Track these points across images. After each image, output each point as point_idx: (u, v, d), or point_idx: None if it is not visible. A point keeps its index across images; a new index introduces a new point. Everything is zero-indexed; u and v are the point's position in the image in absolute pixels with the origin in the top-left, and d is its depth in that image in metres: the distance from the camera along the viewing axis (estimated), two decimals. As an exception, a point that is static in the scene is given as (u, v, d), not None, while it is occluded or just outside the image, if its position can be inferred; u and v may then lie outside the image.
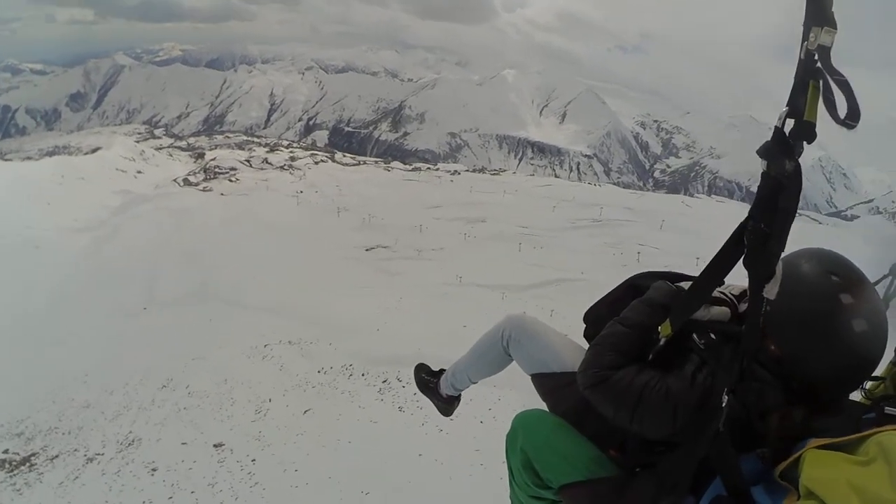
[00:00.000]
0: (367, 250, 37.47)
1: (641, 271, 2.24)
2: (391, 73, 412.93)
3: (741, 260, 1.44)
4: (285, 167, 69.44)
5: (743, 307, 1.89)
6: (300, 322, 23.37)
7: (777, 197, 1.23)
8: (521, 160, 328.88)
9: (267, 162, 71.67)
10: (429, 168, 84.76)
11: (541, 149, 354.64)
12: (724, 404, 1.51)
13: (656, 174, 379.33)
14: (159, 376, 19.06)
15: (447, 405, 3.31)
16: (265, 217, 44.01)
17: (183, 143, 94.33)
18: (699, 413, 1.64)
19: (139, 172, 61.47)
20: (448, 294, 28.06)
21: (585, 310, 2.36)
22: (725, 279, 1.71)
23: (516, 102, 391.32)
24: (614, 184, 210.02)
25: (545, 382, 2.49)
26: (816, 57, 1.06)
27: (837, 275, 1.51)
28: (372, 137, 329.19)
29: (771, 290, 1.35)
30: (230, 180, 60.50)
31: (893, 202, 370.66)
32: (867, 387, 1.68)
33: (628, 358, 1.87)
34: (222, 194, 54.61)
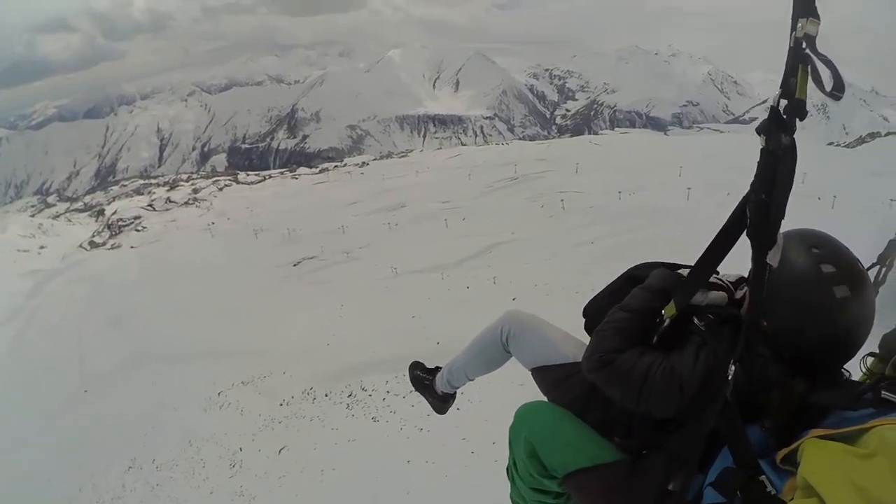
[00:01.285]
0: (294, 266, 36.57)
1: (638, 263, 2.32)
2: (276, 78, 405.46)
3: (745, 232, 1.51)
4: (190, 202, 66.45)
5: (740, 293, 2.01)
6: (247, 358, 22.54)
7: (775, 169, 1.31)
8: (425, 137, 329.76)
9: (170, 201, 68.43)
10: (336, 166, 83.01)
11: (442, 121, 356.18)
12: (730, 376, 1.58)
13: (558, 120, 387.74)
14: (122, 459, 18.01)
15: (442, 403, 3.40)
16: (182, 260, 42.30)
17: (79, 205, 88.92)
18: (704, 388, 1.72)
19: (42, 248, 58.08)
20: (388, 288, 27.81)
21: (585, 304, 2.44)
22: (720, 270, 1.91)
23: (408, 81, 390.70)
24: (520, 139, 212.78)
25: (547, 375, 2.55)
26: (804, 44, 1.20)
27: (818, 248, 1.65)
28: (271, 149, 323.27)
29: (774, 258, 1.43)
30: (137, 230, 57.65)
31: (823, 104, 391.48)
32: (868, 364, 1.83)
33: (632, 342, 1.94)
34: (132, 247, 52.20)
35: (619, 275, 2.39)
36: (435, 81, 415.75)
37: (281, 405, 18.40)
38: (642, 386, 1.82)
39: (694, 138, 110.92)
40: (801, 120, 1.29)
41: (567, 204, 36.32)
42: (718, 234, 1.66)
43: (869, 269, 2.01)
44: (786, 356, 1.65)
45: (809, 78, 1.24)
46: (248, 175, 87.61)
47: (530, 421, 2.35)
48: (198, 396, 20.58)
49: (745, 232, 1.52)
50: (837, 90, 1.20)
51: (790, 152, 1.31)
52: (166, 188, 77.95)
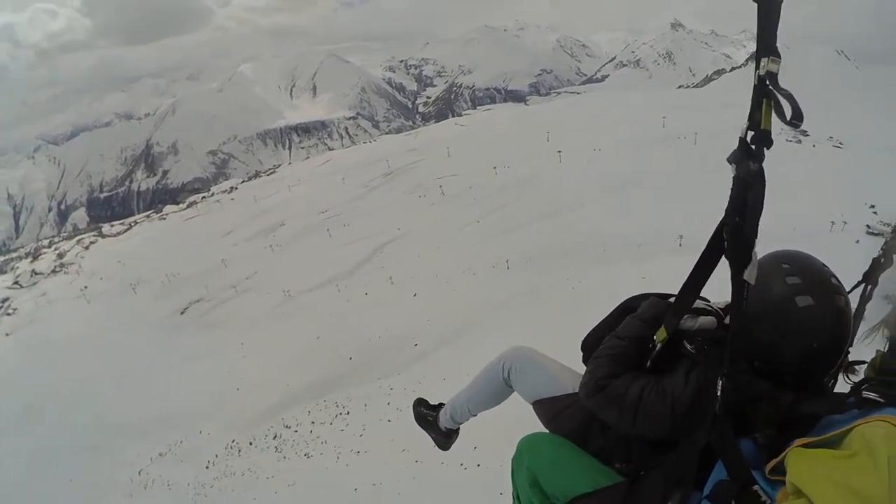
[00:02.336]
0: (181, 314, 34.65)
1: (632, 295, 2.36)
2: (124, 115, 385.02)
3: (723, 257, 1.57)
4: (57, 269, 60.96)
5: (728, 319, 2.01)
6: (157, 427, 20.83)
7: (746, 194, 1.41)
8: (290, 149, 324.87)
9: (36, 273, 62.61)
10: (204, 197, 79.02)
11: (305, 129, 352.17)
12: (718, 391, 1.61)
13: (421, 109, 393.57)
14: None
15: (446, 439, 3.39)
16: (61, 336, 38.38)
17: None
18: (696, 407, 1.79)
19: None
20: (285, 314, 26.95)
21: (582, 338, 2.44)
22: (714, 299, 2.10)
23: (264, 94, 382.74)
24: (387, 133, 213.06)
25: (547, 407, 2.60)
26: (767, 81, 1.30)
27: (788, 263, 1.76)
28: (132, 192, 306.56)
29: (751, 275, 1.47)
30: (7, 314, 52.27)
31: (633, 52, 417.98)
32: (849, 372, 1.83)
33: (626, 367, 2.02)
34: (7, 334, 47.19)
35: (613, 308, 2.41)
36: (291, 90, 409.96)
37: (207, 468, 16.93)
38: (636, 408, 1.89)
39: (554, 104, 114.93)
40: (768, 149, 1.37)
41: (446, 189, 36.43)
42: (699, 258, 1.71)
43: (855, 286, 2.09)
44: (768, 369, 1.73)
45: (773, 110, 1.33)
46: (112, 226, 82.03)
47: (531, 451, 2.38)
48: (119, 483, 18.57)
49: (723, 254, 1.57)
50: (796, 119, 1.29)
51: (759, 178, 1.38)
52: (29, 260, 71.37)
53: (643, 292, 2.32)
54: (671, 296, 2.09)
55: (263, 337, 25.25)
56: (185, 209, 74.92)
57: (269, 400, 18.53)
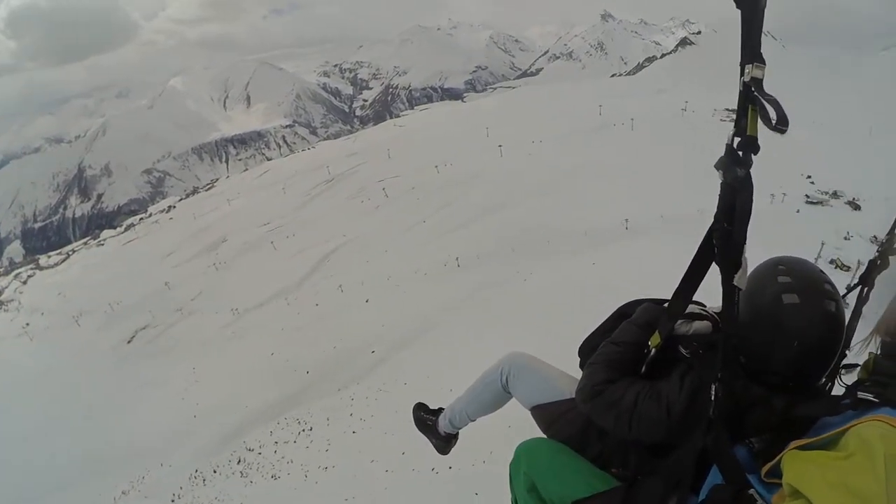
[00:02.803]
0: (128, 343, 33.31)
1: (629, 301, 2.36)
2: (54, 139, 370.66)
3: (714, 263, 1.59)
4: (-6, 307, 58.36)
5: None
6: (116, 464, 19.79)
7: (734, 200, 1.41)
8: (227, 162, 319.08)
9: None
10: (141, 219, 77.00)
11: (241, 141, 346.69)
12: (713, 395, 1.63)
13: (358, 112, 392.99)
14: None
15: (445, 443, 3.42)
16: (7, 378, 36.31)
17: None
18: (691, 411, 1.80)
19: None
20: (235, 333, 26.30)
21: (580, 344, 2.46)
22: (707, 304, 2.10)
23: (196, 108, 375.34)
24: (325, 139, 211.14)
25: (545, 413, 2.61)
26: (752, 87, 1.30)
27: (783, 265, 1.79)
28: (67, 220, 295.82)
29: (741, 280, 1.48)
30: None
31: (565, 45, 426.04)
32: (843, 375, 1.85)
33: (621, 372, 2.03)
34: None
35: (609, 314, 2.44)
36: (225, 101, 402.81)
37: (173, 501, 16.22)
38: (632, 413, 1.90)
39: (490, 99, 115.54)
40: (755, 154, 1.37)
41: (389, 191, 36.32)
42: (690, 264, 1.73)
43: (851, 289, 2.06)
44: (762, 373, 1.74)
45: (759, 116, 1.33)
46: (49, 257, 78.79)
47: (529, 457, 2.39)
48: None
49: (713, 260, 1.59)
50: (781, 124, 1.28)
51: (746, 184, 1.39)
52: (-35, 300, 68.05)
53: (639, 298, 2.34)
54: (666, 301, 2.08)
55: (215, 359, 24.44)
56: (123, 233, 72.87)
57: (229, 424, 17.82)
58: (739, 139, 1.38)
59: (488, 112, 58.16)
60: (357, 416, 13.75)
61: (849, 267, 21.84)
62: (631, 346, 2.08)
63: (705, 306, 2.14)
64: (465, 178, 32.55)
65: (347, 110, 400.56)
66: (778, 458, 1.43)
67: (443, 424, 3.35)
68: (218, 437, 17.62)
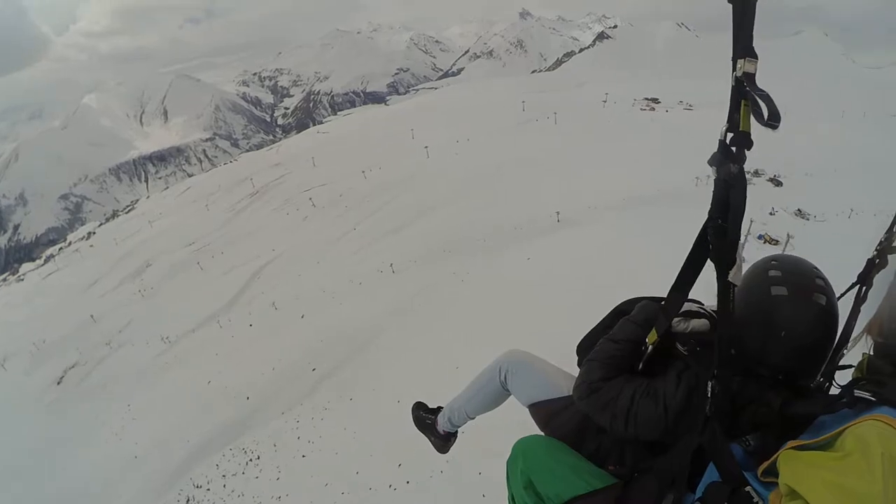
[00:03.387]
0: (58, 384, 31.43)
1: (627, 298, 2.34)
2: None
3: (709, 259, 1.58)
4: (-87, 358, 54.30)
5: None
6: None
7: (728, 195, 1.40)
8: (147, 181, 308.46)
9: None
10: (61, 248, 73.67)
11: (161, 158, 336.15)
12: (709, 393, 1.64)
13: (280, 121, 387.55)
14: None
15: (444, 442, 3.38)
16: None
17: None
18: (688, 409, 1.80)
19: None
20: (168, 363, 25.26)
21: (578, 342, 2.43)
22: (706, 302, 2.08)
23: (112, 126, 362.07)
24: (248, 151, 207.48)
25: (542, 410, 2.58)
26: (745, 82, 1.28)
27: (777, 261, 1.79)
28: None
29: (735, 276, 1.50)
30: None
31: (485, 43, 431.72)
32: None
33: (619, 370, 2.03)
34: None
35: (608, 311, 2.40)
36: (141, 117, 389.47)
37: None
38: (629, 411, 1.90)
39: (414, 101, 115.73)
40: (748, 150, 1.36)
41: (317, 200, 35.77)
42: (686, 260, 1.70)
43: (850, 288, 1.96)
44: (756, 370, 1.73)
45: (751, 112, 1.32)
46: (-34, 298, 74.42)
47: (525, 454, 2.33)
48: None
49: (708, 257, 1.58)
50: (773, 120, 1.26)
51: (740, 179, 1.37)
52: None
53: (636, 297, 2.32)
54: (663, 299, 2.05)
55: (151, 393, 23.37)
56: (42, 265, 69.45)
57: (173, 461, 17.04)
58: (732, 135, 1.36)
59: (412, 114, 58.25)
60: (305, 438, 13.37)
61: (777, 240, 22.70)
62: (628, 344, 2.08)
63: (703, 304, 2.13)
64: (394, 182, 32.37)
65: (269, 119, 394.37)
66: (774, 457, 1.42)
67: (442, 423, 3.32)
68: (162, 476, 16.83)
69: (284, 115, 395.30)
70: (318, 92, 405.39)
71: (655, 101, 79.04)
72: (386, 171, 35.98)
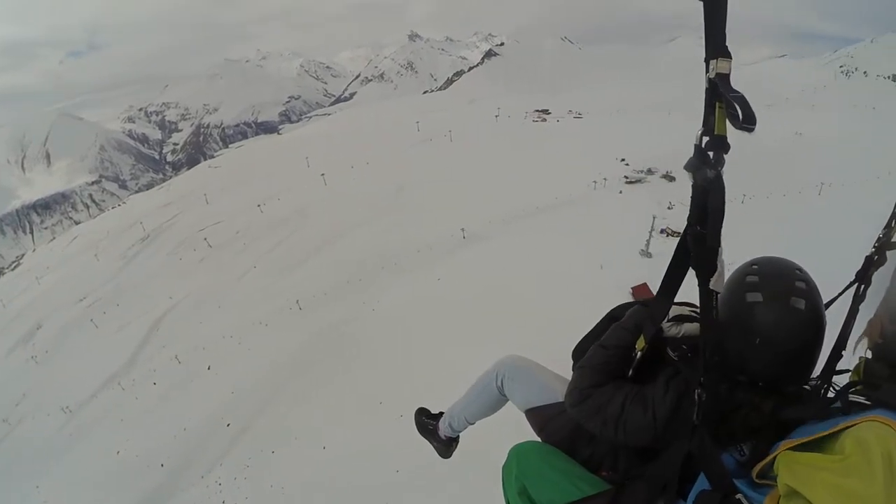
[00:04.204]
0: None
1: (620, 303, 2.32)
2: None
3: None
4: None
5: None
6: None
7: (706, 201, 1.39)
8: (32, 232, 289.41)
9: None
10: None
11: (45, 206, 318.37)
12: (696, 399, 1.60)
13: (169, 158, 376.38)
14: None
15: (445, 447, 3.35)
16: None
17: None
18: (677, 415, 1.78)
19: None
20: (72, 436, 23.24)
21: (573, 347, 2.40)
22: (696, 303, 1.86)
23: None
24: (137, 192, 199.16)
25: (537, 415, 2.57)
26: (718, 84, 1.24)
27: (757, 265, 1.75)
28: None
29: (717, 283, 1.47)
30: None
31: (376, 67, 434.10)
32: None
33: (610, 376, 2.01)
34: None
35: (602, 317, 2.32)
36: (23, 162, 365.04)
37: None
38: (618, 417, 1.89)
39: (307, 128, 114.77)
40: (725, 153, 1.31)
41: (212, 239, 34.49)
42: (668, 268, 1.72)
43: (848, 286, 1.92)
44: (743, 374, 1.71)
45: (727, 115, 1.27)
46: None
47: (520, 460, 2.32)
48: None
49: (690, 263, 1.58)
50: (748, 122, 1.18)
51: (717, 184, 1.33)
52: None
53: (629, 301, 2.29)
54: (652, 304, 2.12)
55: (57, 471, 21.40)
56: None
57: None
58: (707, 139, 1.31)
59: (307, 141, 57.66)
60: (231, 501, 12.61)
61: (678, 233, 23.77)
62: (619, 350, 2.04)
63: (696, 308, 1.98)
64: (293, 213, 31.69)
65: (158, 157, 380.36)
66: (771, 457, 1.41)
67: (443, 428, 3.28)
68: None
69: (174, 152, 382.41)
70: (208, 125, 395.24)
71: (546, 112, 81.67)
72: (283, 202, 35.22)
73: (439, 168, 32.88)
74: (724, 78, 1.21)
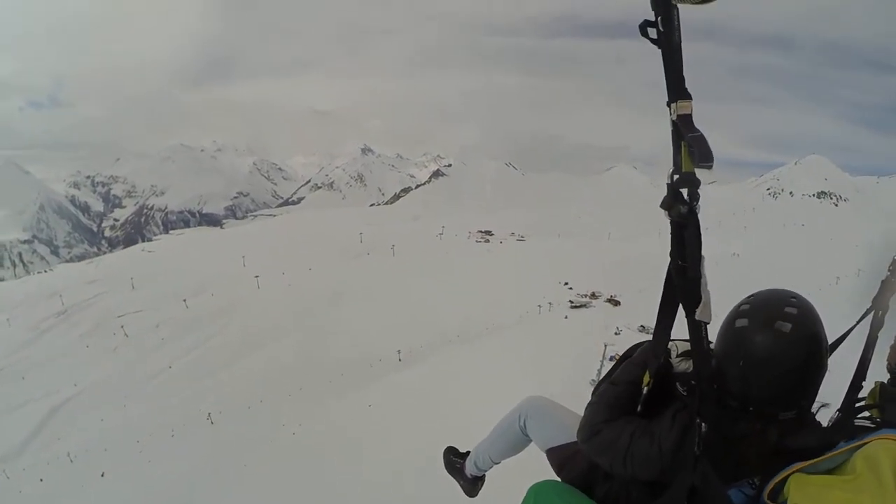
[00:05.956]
0: None
1: (636, 342, 2.26)
2: None
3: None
4: None
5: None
6: None
7: (683, 236, 1.43)
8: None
9: None
10: None
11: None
12: (697, 431, 1.63)
13: (107, 233, 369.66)
14: None
15: (472, 486, 3.34)
16: None
17: None
18: (682, 449, 1.77)
19: None
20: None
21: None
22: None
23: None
24: (67, 261, 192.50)
25: (556, 454, 2.55)
26: (680, 125, 1.29)
27: (754, 294, 1.78)
28: None
29: (703, 314, 1.51)
30: None
31: (327, 175, 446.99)
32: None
33: (620, 411, 2.01)
34: None
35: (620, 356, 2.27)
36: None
37: None
38: (626, 450, 1.87)
39: (250, 227, 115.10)
40: (696, 188, 1.36)
41: (130, 328, 32.65)
42: (660, 304, 1.71)
43: (865, 314, 1.84)
44: (735, 399, 1.70)
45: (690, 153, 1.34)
46: None
47: (538, 498, 2.28)
48: None
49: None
50: (704, 161, 1.26)
51: (691, 218, 1.39)
52: None
53: (642, 340, 2.24)
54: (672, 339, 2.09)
55: None
56: None
57: None
58: (678, 177, 1.36)
59: (248, 240, 57.31)
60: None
61: None
62: (629, 386, 2.02)
63: (711, 342, 1.93)
64: (219, 313, 30.41)
65: (96, 229, 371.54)
66: (782, 477, 1.40)
67: (469, 467, 3.25)
68: None
69: (113, 227, 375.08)
70: (152, 207, 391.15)
71: (489, 233, 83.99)
72: (211, 300, 33.94)
73: (379, 282, 32.60)
74: (686, 118, 1.26)
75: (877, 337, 1.81)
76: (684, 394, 1.88)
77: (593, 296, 37.31)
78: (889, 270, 1.82)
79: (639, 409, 1.99)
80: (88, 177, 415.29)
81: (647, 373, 1.93)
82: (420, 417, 17.10)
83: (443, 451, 3.53)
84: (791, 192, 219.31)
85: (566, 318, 28.73)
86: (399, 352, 23.07)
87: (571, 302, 35.84)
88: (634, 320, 25.18)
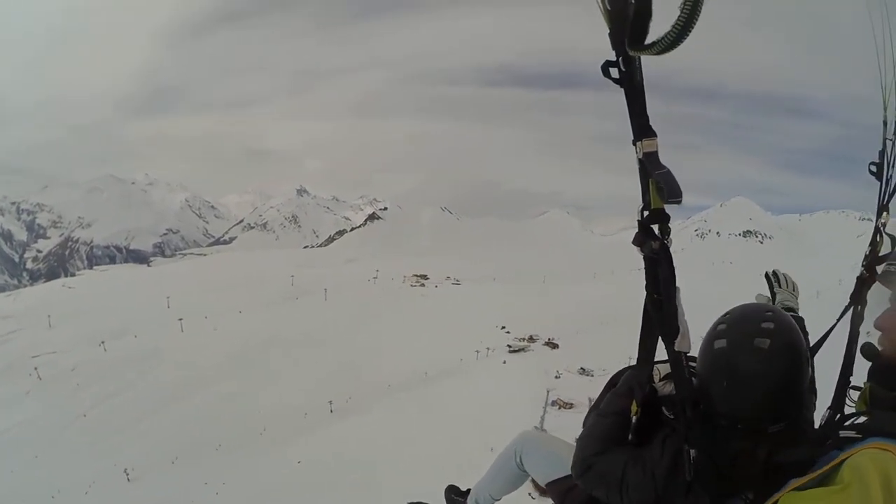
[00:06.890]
0: None
1: (620, 369, 2.35)
2: None
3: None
4: None
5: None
6: None
7: (656, 270, 1.48)
8: None
9: None
10: None
11: None
12: (687, 457, 1.66)
13: (29, 265, 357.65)
14: None
15: None
16: None
17: None
18: (674, 473, 1.79)
19: None
20: None
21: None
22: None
23: None
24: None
25: (557, 488, 2.60)
26: (646, 162, 1.32)
27: (730, 313, 1.81)
28: None
29: (682, 344, 1.55)
30: None
31: (261, 215, 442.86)
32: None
33: (611, 442, 2.04)
34: None
35: (605, 383, 2.38)
36: None
37: None
38: (621, 482, 1.90)
39: (178, 265, 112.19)
40: (666, 223, 1.40)
41: (43, 370, 31.04)
42: (640, 334, 1.77)
43: (844, 311, 2.06)
44: (723, 418, 1.73)
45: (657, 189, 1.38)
46: None
47: None
48: None
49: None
50: (673, 196, 1.30)
51: (663, 253, 1.43)
52: None
53: (628, 366, 2.29)
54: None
55: None
56: None
57: None
58: (648, 213, 1.41)
59: (175, 280, 55.79)
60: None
61: (571, 404, 22.96)
62: (616, 417, 2.08)
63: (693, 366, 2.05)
64: (140, 358, 29.28)
65: (17, 260, 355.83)
66: (777, 497, 1.42)
67: None
68: None
69: (35, 259, 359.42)
70: (78, 239, 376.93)
71: (424, 276, 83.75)
72: (132, 343, 32.56)
73: (310, 327, 32.11)
74: (651, 156, 1.29)
75: (858, 332, 1.95)
76: (671, 417, 1.91)
77: (531, 339, 37.21)
78: (863, 266, 1.98)
79: (630, 437, 2.03)
80: (13, 203, 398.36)
81: (634, 402, 1.97)
82: (352, 476, 16.56)
83: (444, 490, 3.59)
84: (718, 233, 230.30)
85: (504, 363, 28.75)
86: (331, 402, 22.42)
87: (509, 346, 35.64)
88: (574, 363, 25.40)
